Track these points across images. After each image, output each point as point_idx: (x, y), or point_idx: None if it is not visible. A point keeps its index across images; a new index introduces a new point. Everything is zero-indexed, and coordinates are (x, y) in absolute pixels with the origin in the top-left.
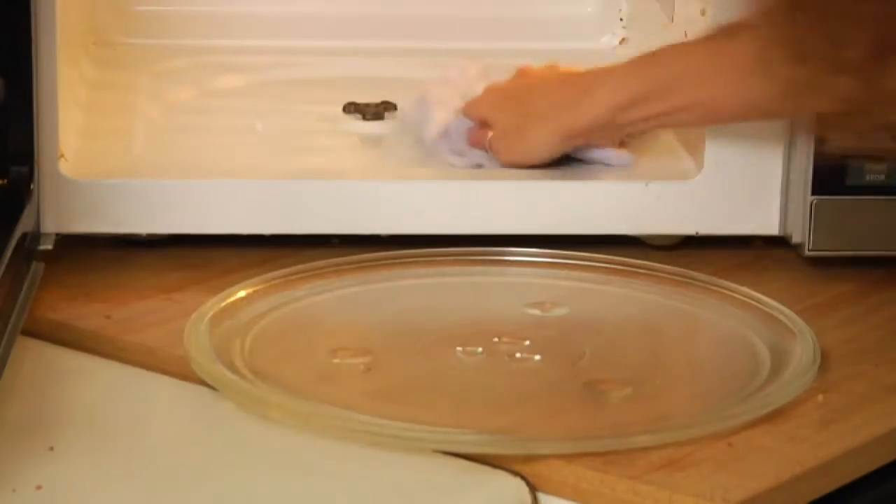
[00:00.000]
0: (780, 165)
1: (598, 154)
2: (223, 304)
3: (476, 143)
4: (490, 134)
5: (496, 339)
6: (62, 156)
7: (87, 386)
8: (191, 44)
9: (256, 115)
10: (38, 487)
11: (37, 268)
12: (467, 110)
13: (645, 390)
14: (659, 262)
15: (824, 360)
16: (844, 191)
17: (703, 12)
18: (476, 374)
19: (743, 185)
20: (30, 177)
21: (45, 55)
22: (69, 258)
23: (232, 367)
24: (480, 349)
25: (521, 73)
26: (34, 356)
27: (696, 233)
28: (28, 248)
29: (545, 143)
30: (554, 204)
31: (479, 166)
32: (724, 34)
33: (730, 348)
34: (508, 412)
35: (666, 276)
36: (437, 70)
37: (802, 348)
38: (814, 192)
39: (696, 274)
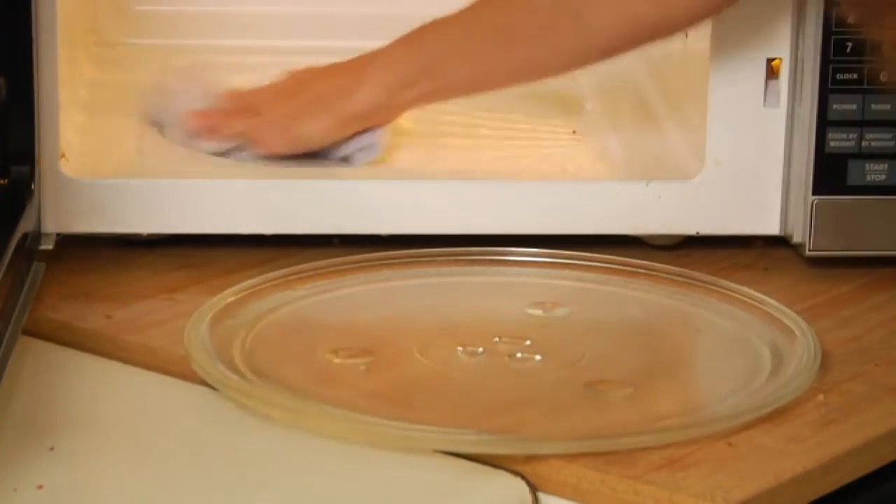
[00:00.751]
0: (781, 165)
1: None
2: (224, 303)
3: (222, 126)
4: (251, 121)
5: (497, 339)
6: (63, 156)
7: (88, 386)
8: (192, 43)
9: None
10: (39, 487)
11: (37, 268)
12: (233, 97)
13: (645, 390)
14: (659, 262)
15: (825, 360)
16: (845, 190)
17: None
18: (476, 374)
19: (744, 184)
20: (30, 177)
21: (45, 55)
22: (70, 258)
23: (232, 366)
24: (481, 349)
25: (295, 72)
26: (35, 356)
27: (697, 233)
28: (29, 248)
29: (322, 130)
30: (554, 204)
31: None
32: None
33: (730, 348)
34: (509, 412)
35: (666, 276)
36: None
37: (803, 348)
38: (815, 192)
39: (696, 274)
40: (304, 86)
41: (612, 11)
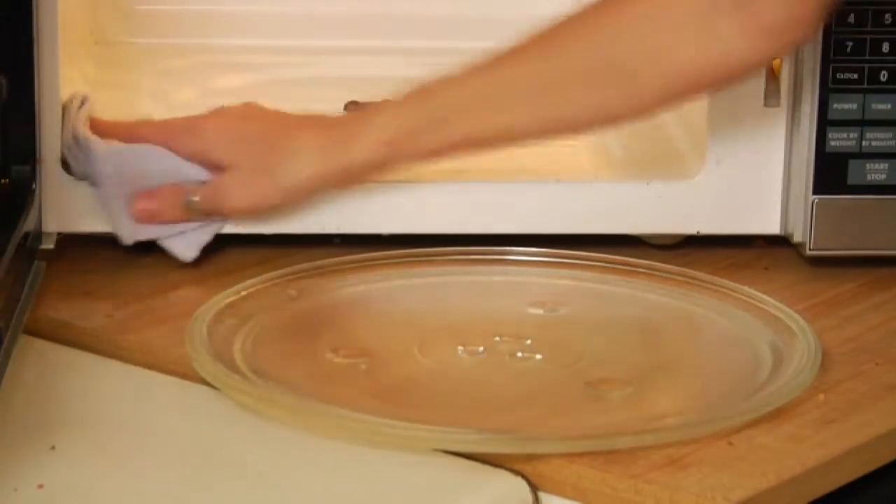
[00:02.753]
0: (782, 164)
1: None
2: (224, 303)
3: (175, 199)
4: (216, 177)
5: (497, 339)
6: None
7: (89, 385)
8: (192, 43)
9: None
10: (40, 486)
11: (38, 267)
12: (184, 145)
13: (646, 389)
14: (660, 262)
15: (825, 360)
16: (845, 190)
17: None
18: (477, 373)
19: (744, 184)
20: (31, 176)
21: (46, 54)
22: (71, 258)
23: (233, 366)
24: (482, 348)
25: (250, 105)
26: (36, 355)
27: (698, 232)
28: (30, 248)
29: (304, 187)
30: (554, 204)
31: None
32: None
33: (731, 347)
34: (509, 411)
35: (667, 275)
36: (437, 70)
37: (803, 347)
38: (815, 192)
39: (697, 273)
40: (285, 133)
41: (668, 69)
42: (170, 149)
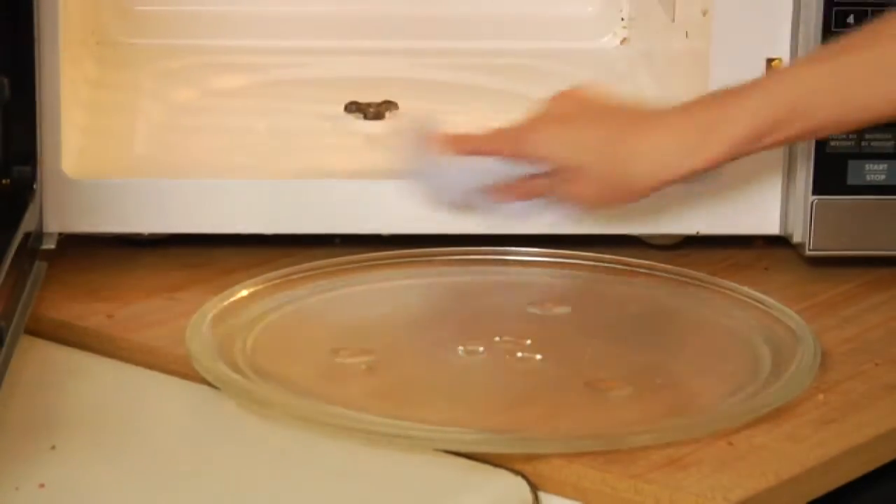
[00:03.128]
0: (781, 165)
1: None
2: (225, 303)
3: (532, 188)
4: (559, 176)
5: (497, 339)
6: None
7: (90, 385)
8: (193, 43)
9: (258, 114)
10: (41, 485)
11: (39, 267)
12: (520, 149)
13: (646, 389)
14: (659, 262)
15: (825, 360)
16: (845, 190)
17: (704, 13)
18: (477, 373)
19: (744, 184)
20: (32, 176)
21: (47, 55)
22: (72, 258)
23: (234, 366)
24: (482, 348)
25: (566, 97)
26: (37, 355)
27: (697, 232)
28: (31, 248)
29: (655, 188)
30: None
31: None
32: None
33: (730, 348)
34: (510, 411)
35: (666, 275)
36: (437, 70)
37: (803, 348)
38: (814, 192)
39: (696, 273)
40: (627, 132)
41: None
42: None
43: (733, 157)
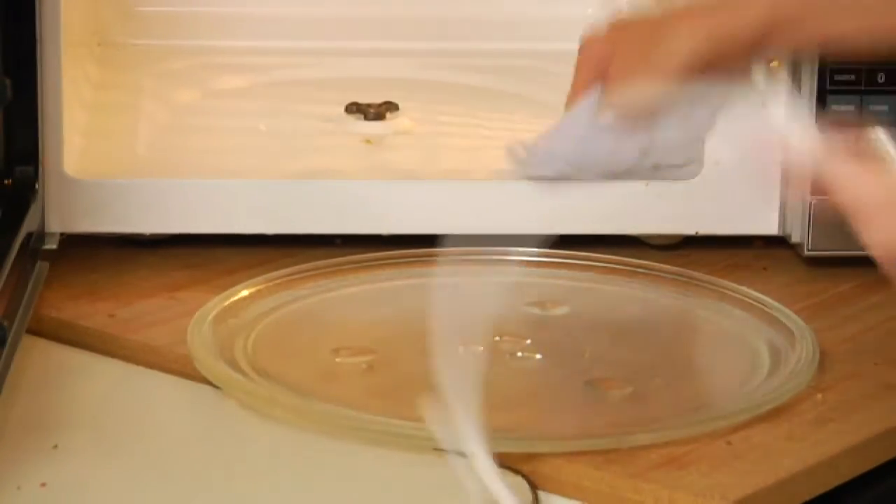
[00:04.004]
0: (780, 165)
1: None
2: (226, 303)
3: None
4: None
5: (497, 338)
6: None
7: (91, 384)
8: (194, 44)
9: (260, 115)
10: (43, 485)
11: (41, 267)
12: (589, 44)
13: (645, 389)
14: (659, 262)
15: (823, 359)
16: None
17: None
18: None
19: (742, 184)
20: (34, 177)
21: (49, 55)
22: (73, 257)
23: (235, 365)
24: (481, 348)
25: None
26: (39, 355)
27: (696, 232)
28: (33, 248)
29: (686, 46)
30: (554, 204)
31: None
32: None
33: (729, 347)
34: (509, 411)
35: (666, 275)
36: (438, 71)
37: (801, 347)
38: (813, 192)
39: (695, 273)
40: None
41: None
42: None
43: (763, 37)
